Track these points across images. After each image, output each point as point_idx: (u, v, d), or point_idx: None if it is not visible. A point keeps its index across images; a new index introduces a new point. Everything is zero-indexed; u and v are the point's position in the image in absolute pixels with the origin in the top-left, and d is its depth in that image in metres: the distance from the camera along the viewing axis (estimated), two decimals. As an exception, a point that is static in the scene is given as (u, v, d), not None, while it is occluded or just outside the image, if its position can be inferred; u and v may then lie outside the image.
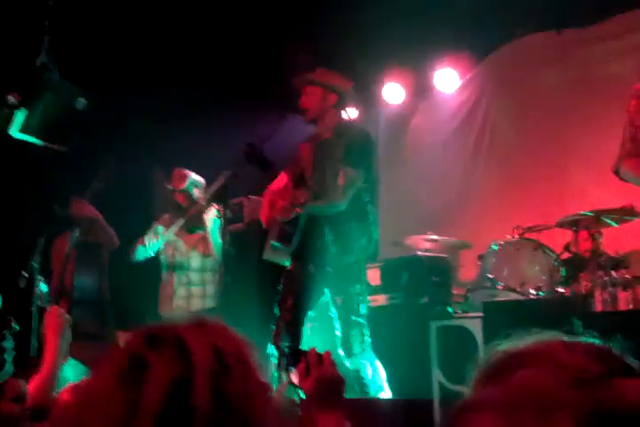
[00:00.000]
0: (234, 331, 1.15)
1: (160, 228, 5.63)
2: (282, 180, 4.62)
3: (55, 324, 2.97)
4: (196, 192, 5.53)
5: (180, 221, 5.43)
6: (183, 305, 5.48)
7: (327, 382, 1.85)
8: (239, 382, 1.03)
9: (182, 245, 5.58)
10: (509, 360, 0.85)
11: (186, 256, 5.55)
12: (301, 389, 1.87)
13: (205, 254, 5.48)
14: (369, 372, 4.26)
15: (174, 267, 5.54)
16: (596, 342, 0.89)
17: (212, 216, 5.43)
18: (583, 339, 0.89)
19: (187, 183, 5.53)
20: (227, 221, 4.58)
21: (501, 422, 0.75)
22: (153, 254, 5.56)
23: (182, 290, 5.50)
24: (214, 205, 5.34)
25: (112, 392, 1.00)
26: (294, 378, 1.93)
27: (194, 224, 5.51)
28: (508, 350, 0.87)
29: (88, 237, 5.57)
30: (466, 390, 0.90)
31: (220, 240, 5.35)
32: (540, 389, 0.76)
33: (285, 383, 3.92)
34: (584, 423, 0.71)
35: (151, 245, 5.51)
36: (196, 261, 5.54)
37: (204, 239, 5.47)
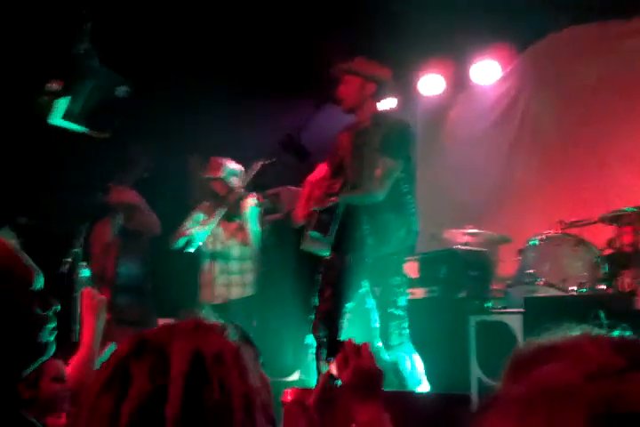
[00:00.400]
0: (228, 334, 1.12)
1: (200, 215, 5.65)
2: (321, 171, 4.60)
3: (90, 305, 3.00)
4: (233, 180, 5.51)
5: (223, 210, 5.43)
6: (223, 293, 5.52)
7: (365, 374, 1.85)
8: (217, 393, 1.01)
9: (222, 234, 5.60)
10: (535, 355, 0.84)
11: (226, 245, 5.58)
12: (340, 379, 1.88)
13: (244, 243, 5.50)
14: (407, 365, 4.24)
15: (215, 255, 5.57)
16: (627, 334, 0.87)
17: (250, 204, 5.44)
18: (614, 333, 0.87)
19: (223, 172, 5.53)
20: (266, 210, 4.57)
21: (515, 418, 0.74)
22: (199, 245, 5.52)
23: (222, 278, 5.54)
24: (252, 193, 5.34)
25: (95, 403, 1.01)
26: (333, 369, 1.93)
27: (232, 213, 5.52)
28: (536, 345, 0.86)
29: (130, 225, 5.63)
30: (496, 384, 0.90)
31: (258, 229, 5.36)
32: (556, 383, 0.75)
33: (325, 374, 3.92)
34: (596, 419, 0.69)
35: (199, 235, 5.47)
36: (235, 249, 5.57)
37: (242, 228, 5.49)
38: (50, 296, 1.59)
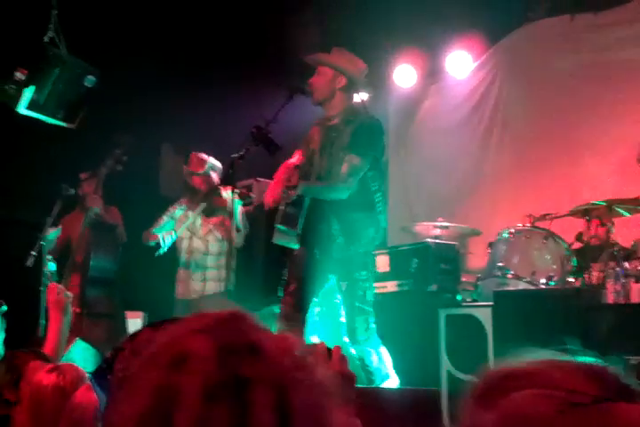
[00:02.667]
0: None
1: (179, 211, 5.61)
2: (297, 157, 4.56)
3: (55, 300, 2.96)
4: (213, 176, 5.51)
5: (202, 206, 5.39)
6: (199, 288, 5.48)
7: (337, 378, 1.81)
8: (314, 388, 0.90)
9: (200, 229, 5.56)
10: (504, 381, 0.82)
11: (204, 240, 5.53)
12: None
13: (223, 238, 5.46)
14: (374, 359, 4.24)
15: (192, 250, 5.52)
16: (595, 361, 0.85)
17: (231, 199, 5.39)
18: (581, 358, 0.86)
19: (206, 167, 5.51)
20: (246, 204, 4.52)
21: None
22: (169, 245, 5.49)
23: (198, 275, 5.50)
24: (229, 187, 5.28)
25: (204, 415, 0.84)
26: None
27: (211, 208, 5.49)
28: (502, 370, 0.84)
29: (104, 217, 5.57)
30: (460, 409, 0.87)
31: (240, 224, 5.32)
32: (531, 414, 0.74)
33: None
34: None
35: (167, 241, 5.44)
36: (213, 245, 5.52)
37: (223, 223, 5.44)
38: None
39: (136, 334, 1.11)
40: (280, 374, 0.88)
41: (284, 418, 0.85)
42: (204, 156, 5.59)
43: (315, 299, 4.33)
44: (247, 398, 0.84)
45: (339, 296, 4.34)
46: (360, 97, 6.51)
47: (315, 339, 4.29)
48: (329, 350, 1.85)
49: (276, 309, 4.31)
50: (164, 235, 5.43)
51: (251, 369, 0.87)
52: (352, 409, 1.76)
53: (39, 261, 5.13)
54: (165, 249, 5.40)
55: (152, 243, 5.47)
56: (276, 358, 0.90)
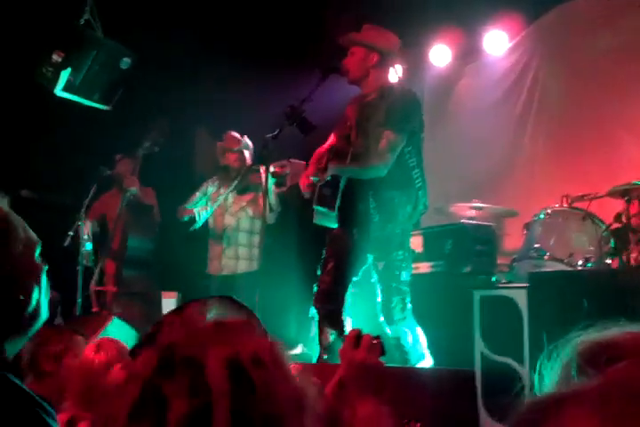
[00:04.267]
0: (259, 329, 1.03)
1: (210, 189, 5.67)
2: (332, 140, 4.54)
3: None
4: (247, 154, 5.57)
5: (235, 182, 5.43)
6: (230, 266, 5.52)
7: (359, 367, 1.78)
8: (264, 402, 0.91)
9: (232, 206, 5.60)
10: (604, 351, 0.80)
11: (235, 217, 5.57)
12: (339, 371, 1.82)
13: (255, 216, 5.49)
14: (409, 339, 4.23)
15: (224, 228, 5.56)
16: None
17: (266, 177, 5.40)
18: None
19: (241, 145, 5.56)
20: (279, 183, 4.53)
21: (597, 418, 0.71)
22: (204, 219, 5.54)
23: (231, 251, 5.54)
24: (263, 166, 5.29)
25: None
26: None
27: (244, 185, 5.52)
28: (599, 341, 0.83)
29: (140, 198, 5.63)
30: (555, 381, 0.85)
31: (274, 201, 5.34)
32: (635, 382, 0.72)
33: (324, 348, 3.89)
34: None
35: (202, 215, 5.49)
36: (245, 222, 5.56)
37: (255, 201, 5.48)
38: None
39: (182, 307, 1.11)
40: (210, 385, 0.90)
41: None
42: (239, 135, 5.63)
43: (354, 278, 4.31)
44: (167, 415, 0.89)
45: (375, 276, 4.31)
46: (397, 74, 6.51)
47: (349, 321, 4.28)
48: (359, 338, 1.82)
49: (314, 287, 4.30)
50: (200, 210, 5.47)
51: (171, 386, 0.91)
52: (379, 398, 1.74)
53: (76, 242, 5.20)
54: (200, 224, 5.44)
55: (186, 218, 5.52)
56: (211, 370, 0.91)
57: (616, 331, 0.84)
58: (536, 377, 0.89)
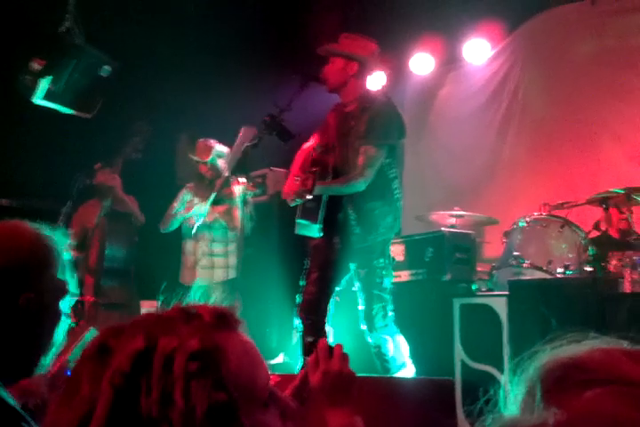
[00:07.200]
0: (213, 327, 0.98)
1: (187, 196, 5.65)
2: (313, 141, 4.53)
3: None
4: (220, 163, 5.51)
5: (214, 195, 5.41)
6: (205, 275, 5.49)
7: (334, 377, 1.78)
8: (155, 407, 0.88)
9: (205, 217, 5.57)
10: (571, 374, 0.77)
11: (209, 227, 5.54)
12: (311, 382, 1.81)
13: (229, 226, 5.46)
14: (390, 347, 4.23)
15: (198, 237, 5.54)
16: None
17: (240, 191, 5.38)
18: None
19: (211, 155, 5.52)
20: (258, 194, 4.49)
21: None
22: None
23: (205, 260, 5.51)
24: (241, 178, 5.28)
25: (80, 371, 0.94)
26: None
27: (219, 195, 5.49)
28: (566, 361, 0.79)
29: (118, 207, 5.59)
30: (519, 403, 0.82)
31: (247, 214, 5.33)
32: (611, 416, 0.69)
33: (302, 373, 3.89)
34: None
35: (200, 215, 5.48)
36: (219, 232, 5.53)
37: (229, 211, 5.45)
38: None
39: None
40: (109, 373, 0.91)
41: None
42: (211, 142, 5.58)
43: (337, 288, 4.31)
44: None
45: (356, 284, 4.32)
46: (379, 83, 6.52)
47: (331, 330, 4.28)
48: (330, 348, 1.83)
49: (298, 298, 4.30)
50: (183, 212, 5.45)
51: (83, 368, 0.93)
52: (351, 408, 1.74)
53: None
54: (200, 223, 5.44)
55: (175, 224, 5.50)
56: (118, 357, 0.92)
57: (584, 347, 0.80)
58: (501, 393, 0.87)
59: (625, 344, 0.81)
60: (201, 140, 5.63)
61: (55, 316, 1.57)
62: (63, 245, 1.59)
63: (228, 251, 5.48)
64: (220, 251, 5.51)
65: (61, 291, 1.57)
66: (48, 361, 1.55)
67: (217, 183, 5.41)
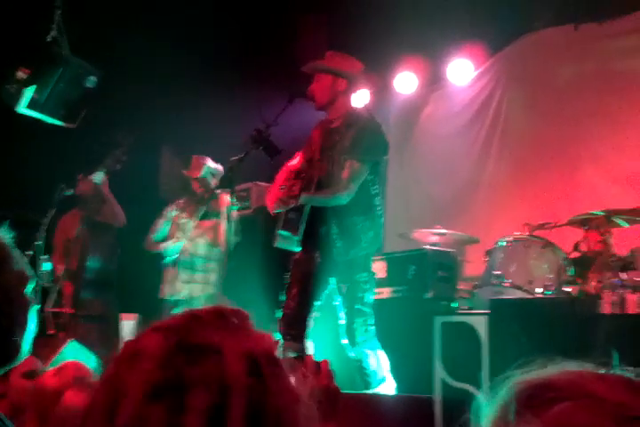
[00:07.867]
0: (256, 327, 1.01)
1: (173, 212, 5.64)
2: (298, 159, 4.55)
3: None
4: (211, 180, 5.55)
5: (202, 210, 5.42)
6: (185, 290, 5.47)
7: (321, 393, 1.79)
8: (277, 400, 0.90)
9: (190, 232, 5.56)
10: (541, 392, 0.80)
11: (194, 242, 5.53)
12: None
13: (213, 242, 5.46)
14: (372, 362, 4.23)
15: (180, 251, 5.52)
16: (628, 374, 0.84)
17: (227, 205, 5.38)
18: (612, 370, 0.85)
19: (203, 171, 5.55)
20: (242, 208, 4.50)
21: None
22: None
23: (185, 275, 5.49)
24: (227, 193, 5.28)
25: (142, 413, 0.87)
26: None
27: (206, 211, 5.50)
28: (536, 382, 0.82)
29: (98, 217, 5.56)
30: (494, 418, 0.85)
31: (232, 229, 5.33)
32: (583, 425, 0.72)
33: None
34: None
35: (173, 249, 5.49)
36: (202, 247, 5.52)
37: (214, 228, 5.45)
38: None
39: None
40: (228, 377, 0.88)
41: (220, 422, 0.85)
42: (205, 159, 5.62)
43: (317, 302, 4.32)
44: (185, 402, 0.86)
45: (338, 299, 4.32)
46: (363, 102, 6.56)
47: (311, 344, 4.27)
48: (317, 363, 1.83)
49: (278, 313, 4.29)
50: (171, 243, 5.47)
51: (193, 371, 0.88)
52: (336, 423, 1.75)
53: (34, 262, 5.11)
54: (174, 255, 5.46)
55: (155, 252, 5.51)
56: (229, 360, 0.90)
57: (554, 370, 0.84)
58: (479, 412, 0.89)
59: (592, 367, 0.85)
60: (195, 156, 5.66)
61: (23, 305, 1.53)
62: (9, 238, 1.56)
63: (208, 267, 5.47)
64: (201, 267, 5.50)
65: (24, 280, 1.54)
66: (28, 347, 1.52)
67: (205, 199, 5.43)
